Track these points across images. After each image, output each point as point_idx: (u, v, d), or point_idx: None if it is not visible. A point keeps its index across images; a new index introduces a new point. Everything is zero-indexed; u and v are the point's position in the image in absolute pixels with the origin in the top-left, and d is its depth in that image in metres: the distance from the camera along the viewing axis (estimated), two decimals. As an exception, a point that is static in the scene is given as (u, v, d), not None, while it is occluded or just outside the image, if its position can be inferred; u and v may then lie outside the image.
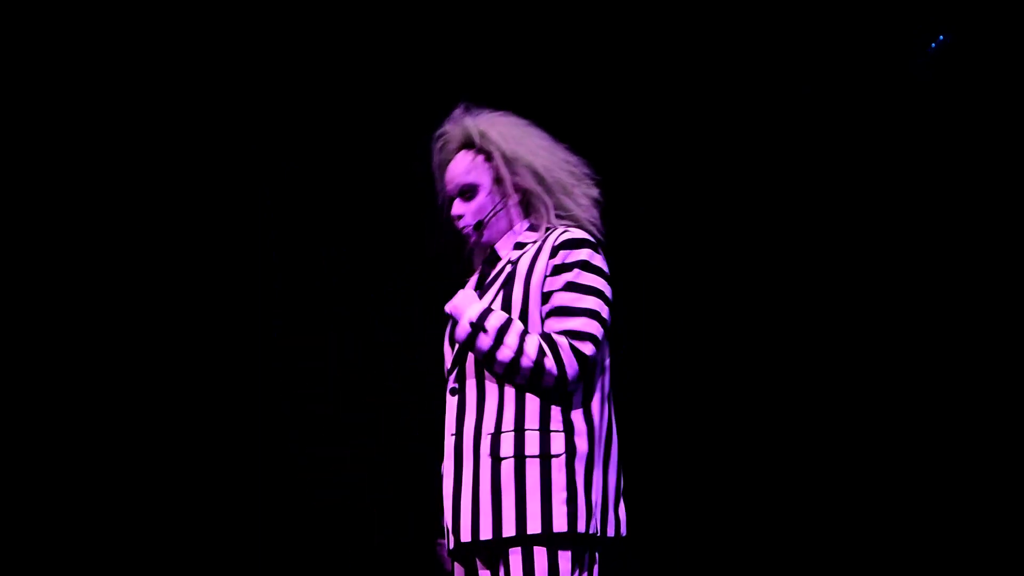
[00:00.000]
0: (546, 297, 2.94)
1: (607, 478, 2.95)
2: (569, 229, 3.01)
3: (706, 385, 5.06)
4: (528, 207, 3.11)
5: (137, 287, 5.07)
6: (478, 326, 2.89)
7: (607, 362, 2.99)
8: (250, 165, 5.15)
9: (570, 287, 2.92)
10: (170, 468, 5.04)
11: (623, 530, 2.98)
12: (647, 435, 4.96)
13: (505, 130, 3.10)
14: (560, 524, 2.84)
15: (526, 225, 3.11)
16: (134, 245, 5.08)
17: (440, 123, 3.17)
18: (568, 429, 2.90)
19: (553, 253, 2.95)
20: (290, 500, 5.10)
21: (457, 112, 3.16)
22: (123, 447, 5.02)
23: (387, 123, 5.07)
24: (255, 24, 5.07)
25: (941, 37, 4.72)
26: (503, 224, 3.11)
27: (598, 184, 3.13)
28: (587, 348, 2.88)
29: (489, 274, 3.08)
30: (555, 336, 2.88)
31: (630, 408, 4.30)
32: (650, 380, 5.05)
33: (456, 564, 3.01)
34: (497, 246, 3.11)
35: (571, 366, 2.86)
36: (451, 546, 2.95)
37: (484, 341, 2.88)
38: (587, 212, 3.10)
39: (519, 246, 3.06)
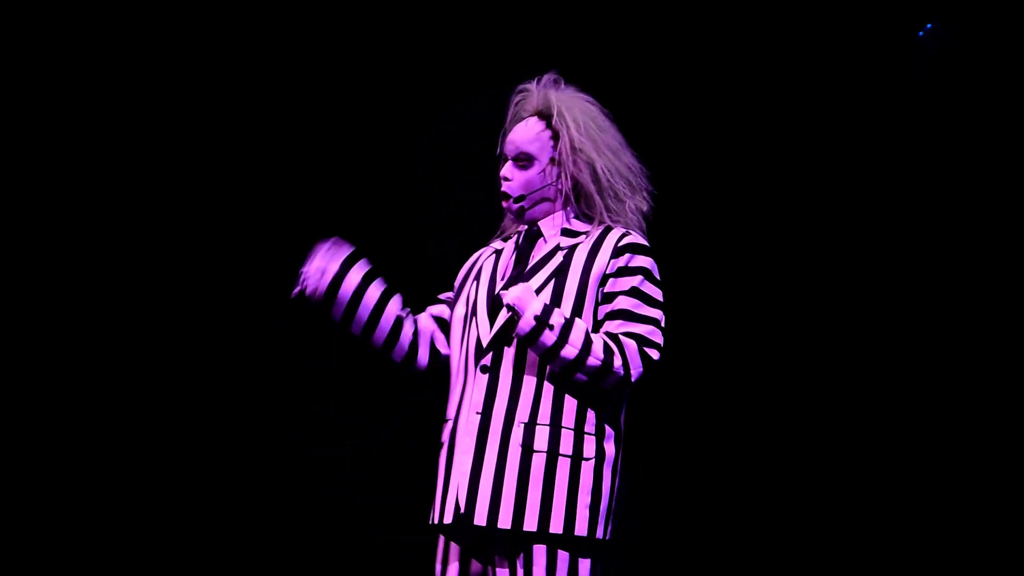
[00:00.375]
0: (609, 297, 2.93)
1: (619, 485, 2.96)
2: (632, 232, 3.00)
3: (703, 385, 5.06)
4: (576, 198, 3.06)
5: (137, 287, 5.08)
6: (543, 321, 2.82)
7: None
8: (250, 165, 5.15)
9: (635, 293, 2.92)
10: (170, 468, 5.04)
11: (637, 535, 3.00)
12: (647, 436, 4.97)
13: (582, 118, 3.05)
14: (581, 528, 2.85)
15: (573, 213, 3.07)
16: (134, 245, 5.08)
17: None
18: (600, 433, 2.90)
19: (617, 253, 2.95)
20: (290, 500, 5.10)
21: (547, 78, 3.12)
22: (123, 447, 5.02)
23: (387, 123, 5.07)
24: (255, 24, 5.07)
25: (929, 25, 4.71)
26: (545, 206, 3.06)
27: (653, 198, 3.10)
28: (655, 354, 2.88)
29: (530, 252, 3.03)
30: (622, 337, 2.87)
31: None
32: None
33: (449, 541, 2.97)
34: (542, 224, 3.06)
35: (637, 368, 2.86)
36: (448, 520, 2.89)
37: (549, 337, 2.82)
38: (633, 225, 3.05)
39: (569, 233, 3.03)
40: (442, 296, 3.23)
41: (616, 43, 5.02)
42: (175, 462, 5.04)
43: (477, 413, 2.91)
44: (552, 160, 3.05)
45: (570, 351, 2.82)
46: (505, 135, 3.11)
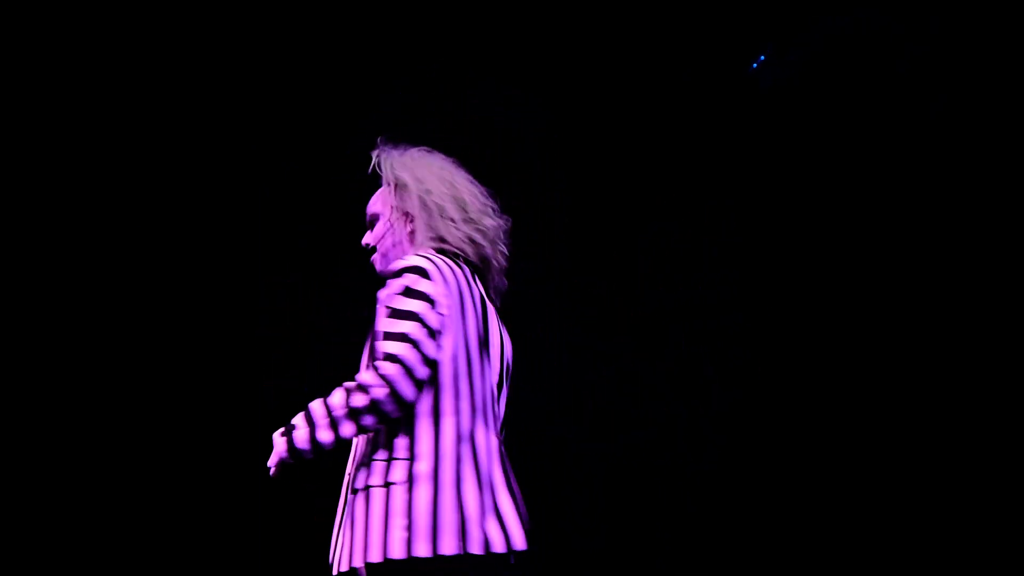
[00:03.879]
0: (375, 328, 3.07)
1: (463, 496, 2.96)
2: (405, 258, 3.07)
3: (702, 385, 5.06)
4: (422, 232, 3.19)
5: (137, 288, 5.08)
6: (294, 450, 3.00)
7: (448, 382, 3.01)
8: (250, 165, 5.15)
9: (389, 312, 3.00)
10: (170, 469, 5.04)
11: (495, 547, 2.98)
12: (642, 438, 4.97)
13: (404, 159, 3.23)
14: (399, 551, 2.90)
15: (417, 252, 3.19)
16: (134, 246, 5.08)
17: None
18: (411, 456, 2.96)
19: (385, 281, 3.06)
20: (290, 502, 5.10)
21: (378, 147, 3.28)
22: (122, 448, 5.02)
23: (387, 124, 5.07)
24: (256, 24, 5.07)
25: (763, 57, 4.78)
26: (397, 251, 3.22)
27: (500, 214, 3.23)
28: (389, 368, 2.91)
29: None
30: (360, 375, 2.95)
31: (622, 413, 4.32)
32: (648, 379, 5.05)
33: None
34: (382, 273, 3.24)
35: (377, 388, 2.91)
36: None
37: (299, 440, 2.98)
38: (458, 232, 3.17)
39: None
40: None
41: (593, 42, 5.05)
42: (175, 463, 5.05)
43: (348, 473, 3.12)
44: (393, 208, 3.23)
45: (315, 429, 2.96)
46: None
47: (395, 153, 3.25)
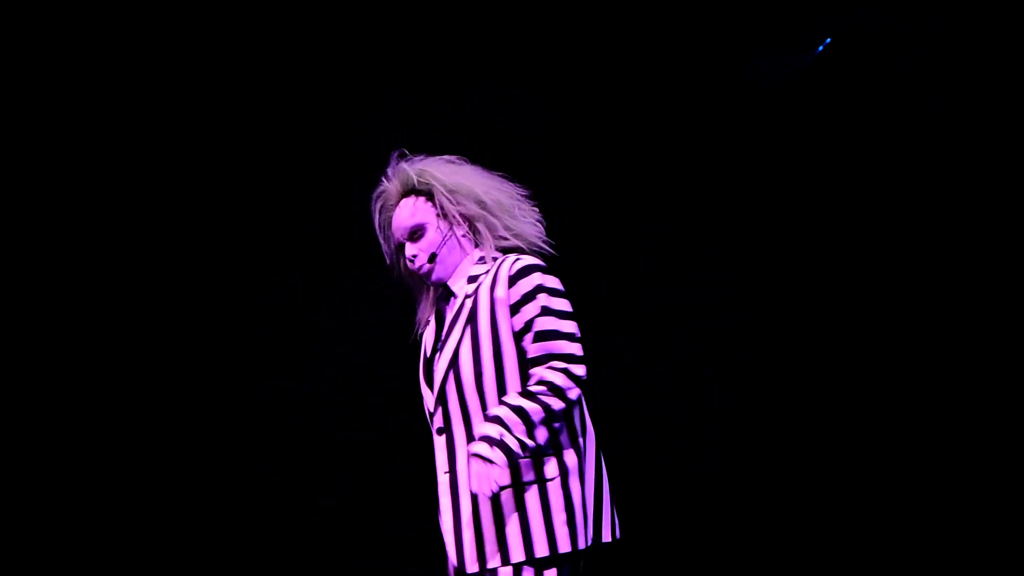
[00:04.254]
0: (526, 326, 3.05)
1: (600, 485, 3.08)
2: (520, 257, 3.12)
3: (702, 385, 5.06)
4: (474, 236, 3.22)
5: (137, 289, 5.08)
6: (507, 448, 2.94)
7: None
8: (250, 165, 5.15)
9: (546, 312, 3.04)
10: (169, 469, 5.04)
11: (618, 533, 3.11)
12: (639, 436, 4.97)
13: (441, 166, 3.24)
14: (564, 545, 2.98)
15: (475, 258, 3.21)
16: (135, 247, 5.08)
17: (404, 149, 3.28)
18: (557, 450, 3.02)
19: (512, 281, 3.07)
20: (290, 505, 5.10)
21: (391, 165, 3.28)
22: (121, 448, 5.02)
23: (388, 127, 5.07)
24: (256, 25, 5.07)
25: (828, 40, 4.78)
26: (456, 256, 3.22)
27: (537, 206, 3.26)
28: (580, 370, 3.01)
29: (446, 312, 3.19)
30: (546, 373, 2.99)
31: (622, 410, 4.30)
32: (648, 379, 5.05)
33: None
34: (449, 283, 3.21)
35: (572, 391, 2.99)
36: None
37: (516, 447, 2.95)
38: (534, 228, 3.23)
39: (472, 279, 3.17)
40: None
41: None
42: (175, 464, 5.05)
43: (445, 473, 3.08)
44: (438, 215, 3.21)
45: (532, 438, 2.95)
46: (388, 237, 3.29)
47: (420, 162, 3.25)
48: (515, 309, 3.05)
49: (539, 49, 5.08)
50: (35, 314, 4.98)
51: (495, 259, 3.16)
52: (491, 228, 3.19)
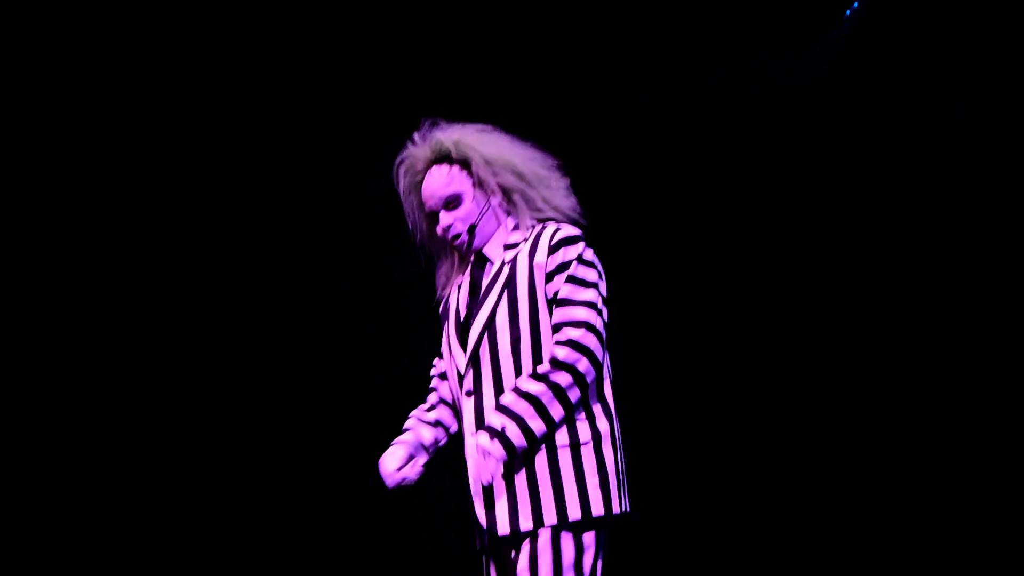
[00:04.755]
0: (555, 293, 3.04)
1: (621, 457, 3.07)
2: (561, 226, 3.12)
3: (702, 385, 5.07)
4: (509, 206, 3.19)
5: (138, 289, 5.08)
6: (508, 443, 2.94)
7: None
8: (249, 165, 5.15)
9: (571, 280, 3.04)
10: (170, 468, 5.05)
11: (628, 506, 3.09)
12: (648, 427, 4.98)
13: (477, 135, 3.20)
14: (598, 508, 2.97)
15: (511, 225, 3.20)
16: (136, 247, 5.09)
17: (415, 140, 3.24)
18: (590, 416, 3.02)
19: (552, 250, 3.06)
20: (291, 505, 5.11)
21: (423, 130, 3.24)
22: (122, 449, 5.02)
23: (389, 129, 5.08)
24: (257, 27, 5.08)
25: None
26: (491, 225, 3.19)
27: (567, 175, 3.23)
28: (589, 339, 2.99)
29: (481, 277, 3.16)
30: (553, 348, 2.99)
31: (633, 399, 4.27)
32: (648, 375, 5.06)
33: (491, 560, 3.08)
34: (485, 250, 3.19)
35: (580, 362, 2.97)
36: (485, 542, 3.04)
37: (521, 440, 2.95)
38: (568, 200, 3.21)
39: (509, 247, 3.15)
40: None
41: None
42: (176, 466, 5.06)
43: (472, 435, 3.04)
44: (474, 185, 3.18)
45: (546, 419, 2.96)
46: (413, 203, 3.24)
47: (454, 131, 3.21)
48: (550, 277, 3.05)
49: (540, 49, 5.09)
50: (35, 314, 4.99)
51: (530, 228, 3.15)
52: (528, 199, 3.17)
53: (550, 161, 3.23)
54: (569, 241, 3.08)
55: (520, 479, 2.97)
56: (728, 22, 5.01)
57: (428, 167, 3.21)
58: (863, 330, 4.91)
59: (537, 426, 2.94)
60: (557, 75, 5.08)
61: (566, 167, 3.22)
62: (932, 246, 4.86)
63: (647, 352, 5.06)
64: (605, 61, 5.07)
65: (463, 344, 3.11)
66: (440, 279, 3.30)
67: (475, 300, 3.13)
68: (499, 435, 2.93)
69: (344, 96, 5.14)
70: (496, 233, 3.19)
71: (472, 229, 3.16)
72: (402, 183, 3.26)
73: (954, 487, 4.78)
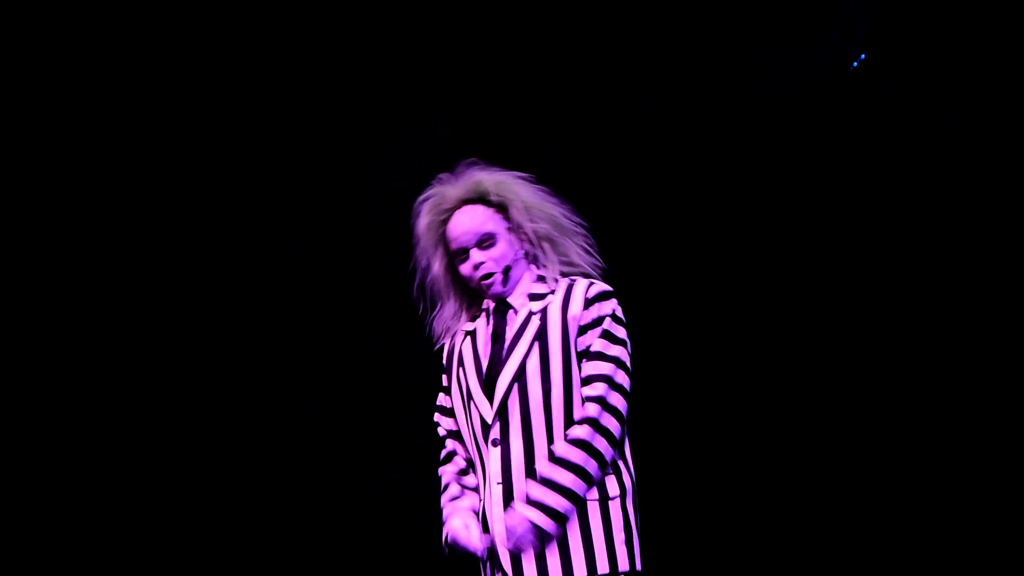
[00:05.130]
0: (587, 348, 3.09)
1: (638, 513, 3.14)
2: (594, 281, 3.17)
3: (699, 382, 5.06)
4: (541, 255, 3.22)
5: (138, 291, 5.08)
6: (553, 513, 2.99)
7: None
8: (249, 164, 5.15)
9: (604, 335, 3.09)
10: (170, 469, 5.05)
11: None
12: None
13: (516, 181, 3.23)
14: (623, 564, 3.02)
15: (534, 276, 3.21)
16: (137, 248, 5.09)
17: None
18: (616, 471, 3.06)
19: (588, 303, 3.11)
20: (290, 505, 5.11)
21: (456, 170, 3.25)
22: (123, 449, 5.02)
23: (389, 129, 5.08)
24: (257, 26, 5.07)
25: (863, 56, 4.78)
26: (520, 271, 3.21)
27: (589, 232, 3.30)
28: (619, 401, 3.06)
29: (504, 326, 3.16)
30: (586, 411, 3.02)
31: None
32: (648, 375, 5.05)
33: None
34: (510, 298, 3.19)
35: (619, 417, 3.05)
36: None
37: (566, 508, 2.99)
38: (591, 257, 3.27)
39: (535, 297, 3.17)
40: (441, 402, 3.35)
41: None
42: (175, 463, 5.05)
43: (498, 483, 3.05)
44: (509, 229, 3.20)
45: (588, 478, 3.01)
46: (434, 240, 3.24)
47: (493, 174, 3.24)
48: (583, 330, 3.09)
49: (541, 50, 5.08)
50: (35, 314, 4.98)
51: (556, 280, 3.18)
52: (559, 251, 3.21)
53: (578, 220, 3.27)
54: (604, 296, 3.13)
55: (562, 531, 3.00)
56: (728, 22, 5.00)
57: (459, 206, 3.22)
58: (863, 330, 4.90)
59: (581, 495, 2.99)
60: (557, 75, 5.08)
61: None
62: (932, 246, 4.86)
63: (647, 352, 5.05)
64: (605, 61, 5.07)
65: (489, 394, 3.10)
66: (439, 325, 3.30)
67: (499, 348, 3.13)
68: (556, 516, 2.96)
69: (344, 96, 5.14)
70: (522, 281, 3.20)
71: (507, 271, 3.17)
72: (425, 219, 3.25)
73: (954, 487, 4.78)
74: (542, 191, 3.24)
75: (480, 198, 3.21)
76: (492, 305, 3.21)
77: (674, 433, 5.01)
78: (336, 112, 5.15)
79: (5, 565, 4.86)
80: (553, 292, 3.15)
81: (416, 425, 4.37)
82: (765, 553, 4.93)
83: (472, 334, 3.22)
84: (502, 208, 3.20)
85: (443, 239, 3.23)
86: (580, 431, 3.01)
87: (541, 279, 3.21)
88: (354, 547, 5.08)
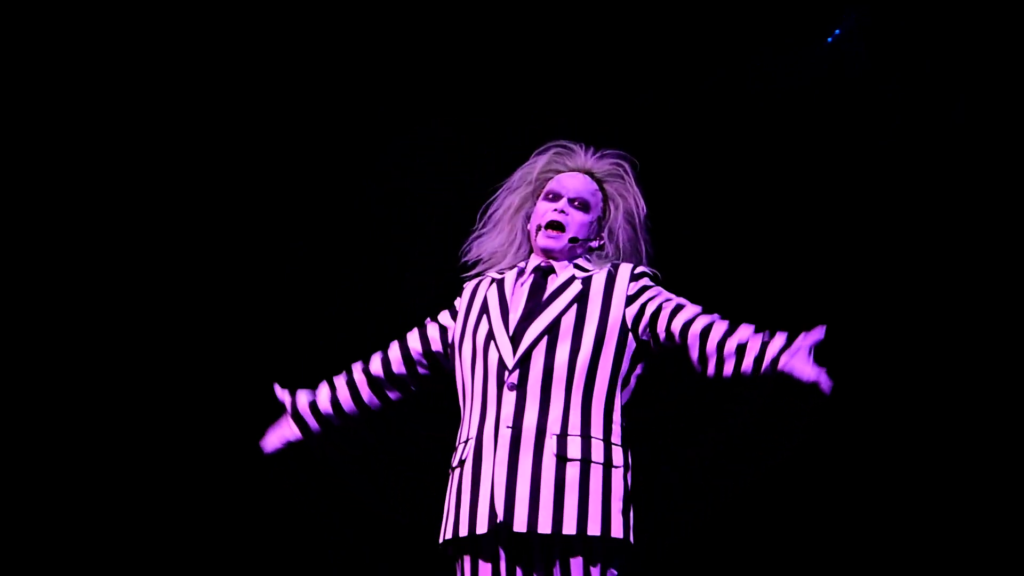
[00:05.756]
0: (656, 308, 3.13)
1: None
2: (640, 266, 3.27)
3: (700, 382, 5.05)
4: (609, 245, 3.33)
5: (138, 291, 5.08)
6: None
7: None
8: (251, 166, 5.15)
9: (666, 296, 3.18)
10: (171, 469, 5.05)
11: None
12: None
13: (632, 196, 3.35)
14: (617, 531, 3.00)
15: (584, 256, 3.29)
16: (138, 248, 5.09)
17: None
18: (624, 443, 3.09)
19: (635, 278, 3.19)
20: (290, 505, 5.10)
21: (603, 151, 3.38)
22: (123, 449, 5.02)
23: (389, 129, 5.08)
24: (257, 26, 5.08)
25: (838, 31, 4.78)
26: (580, 251, 3.29)
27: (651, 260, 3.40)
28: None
29: (546, 283, 3.20)
30: (714, 318, 3.17)
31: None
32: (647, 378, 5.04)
33: (477, 557, 3.07)
34: (556, 261, 3.26)
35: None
36: (483, 529, 3.01)
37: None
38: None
39: (580, 268, 3.23)
40: (429, 323, 3.37)
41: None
42: (176, 463, 5.05)
43: (508, 427, 3.04)
44: (600, 220, 3.33)
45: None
46: (535, 178, 3.34)
47: (627, 177, 3.36)
48: (631, 300, 3.15)
49: (543, 50, 5.08)
50: (35, 315, 4.99)
51: (600, 266, 3.25)
52: (628, 251, 3.32)
53: (651, 251, 3.40)
54: (646, 275, 3.23)
55: (547, 485, 2.99)
56: (728, 22, 5.00)
57: (576, 170, 3.34)
58: (863, 330, 4.90)
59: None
60: (557, 75, 5.08)
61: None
62: (932, 246, 4.86)
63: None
64: (605, 61, 5.07)
65: (514, 341, 3.11)
66: (476, 248, 3.37)
67: (534, 303, 3.16)
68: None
69: (344, 96, 5.14)
70: (576, 258, 3.27)
71: (576, 240, 3.25)
72: (544, 158, 3.37)
73: (954, 487, 4.78)
74: (645, 214, 3.37)
75: (599, 180, 3.34)
76: (534, 264, 3.26)
77: (674, 433, 5.01)
78: (336, 112, 5.15)
79: (5, 565, 4.86)
80: (599, 269, 3.23)
81: (416, 425, 4.38)
82: (766, 553, 4.93)
83: (500, 283, 3.26)
84: (608, 201, 3.33)
85: (541, 185, 3.35)
86: (722, 324, 3.14)
87: (589, 261, 3.29)
88: (354, 547, 5.07)
